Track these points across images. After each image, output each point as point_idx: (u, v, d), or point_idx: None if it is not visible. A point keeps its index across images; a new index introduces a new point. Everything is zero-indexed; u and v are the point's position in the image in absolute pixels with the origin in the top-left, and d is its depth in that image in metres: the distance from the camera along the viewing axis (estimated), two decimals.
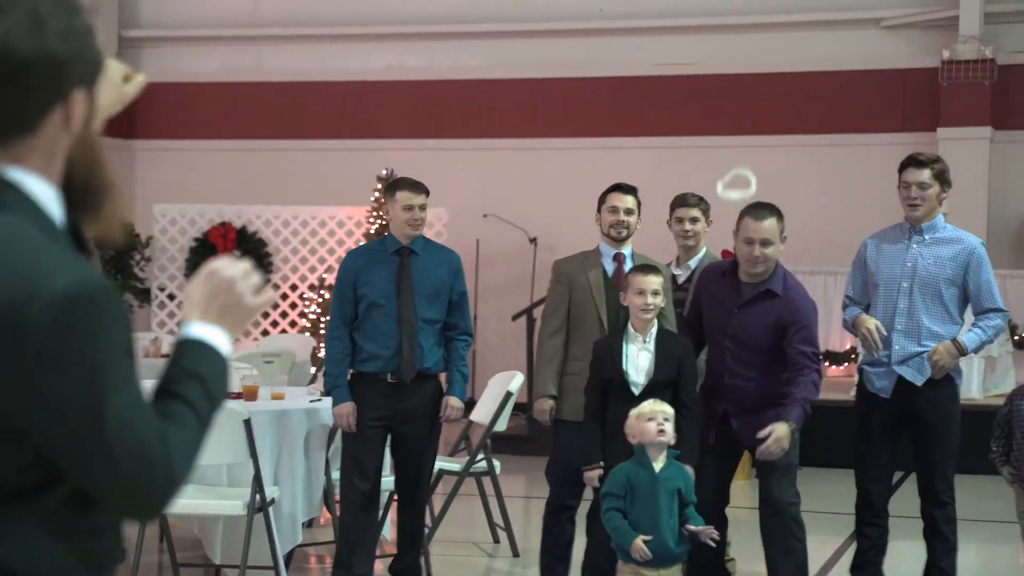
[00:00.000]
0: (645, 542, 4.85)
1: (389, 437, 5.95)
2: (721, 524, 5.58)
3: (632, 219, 5.89)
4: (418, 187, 5.95)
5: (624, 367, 5.40)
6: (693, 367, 5.57)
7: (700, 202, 6.33)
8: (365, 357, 5.85)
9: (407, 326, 5.80)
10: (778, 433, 5.32)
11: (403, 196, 5.89)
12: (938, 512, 5.88)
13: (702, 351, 5.79)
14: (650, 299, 5.37)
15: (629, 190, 5.93)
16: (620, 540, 4.86)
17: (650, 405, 5.05)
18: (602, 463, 5.38)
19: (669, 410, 5.06)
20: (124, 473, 1.67)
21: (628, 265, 5.83)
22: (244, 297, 1.90)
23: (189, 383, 1.79)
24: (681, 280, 6.25)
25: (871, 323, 5.80)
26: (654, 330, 5.45)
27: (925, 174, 5.81)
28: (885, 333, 5.78)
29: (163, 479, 1.70)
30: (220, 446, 5.84)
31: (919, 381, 5.78)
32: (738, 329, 5.56)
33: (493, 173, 14.24)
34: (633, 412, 5.06)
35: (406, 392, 5.84)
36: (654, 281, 5.40)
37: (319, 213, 13.57)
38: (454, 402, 5.92)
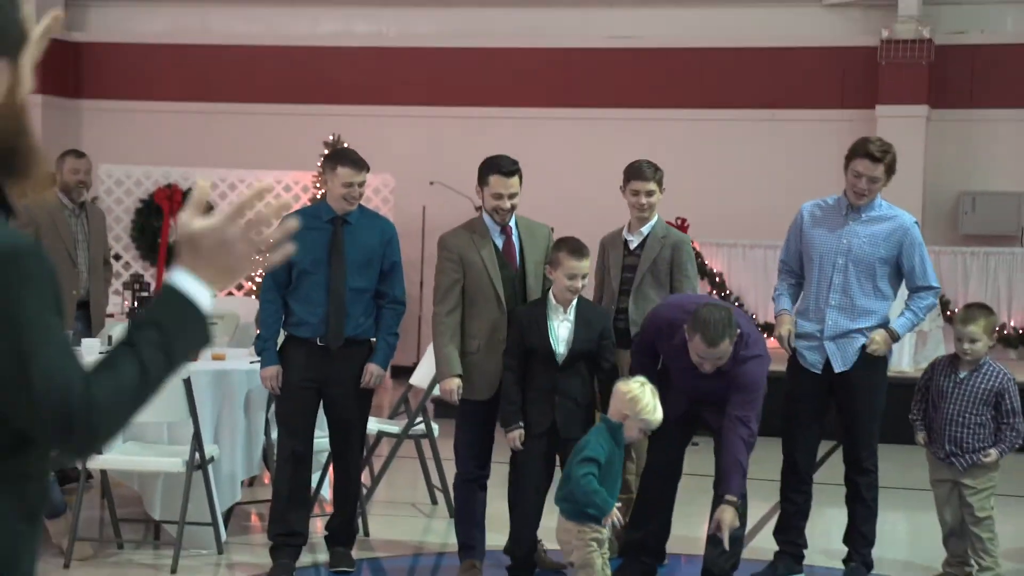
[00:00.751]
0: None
1: (322, 400, 6.04)
2: (671, 491, 5.79)
3: (515, 200, 5.86)
4: (359, 164, 5.93)
5: (550, 338, 5.58)
6: (611, 335, 5.76)
7: (656, 173, 6.25)
8: (295, 321, 5.91)
9: (335, 295, 5.85)
10: (727, 519, 5.33)
11: (344, 172, 5.87)
12: (861, 479, 6.06)
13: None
14: (580, 283, 5.59)
15: (512, 172, 5.84)
16: (602, 504, 4.93)
17: (657, 417, 5.04)
18: (521, 423, 5.60)
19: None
20: (46, 421, 1.75)
21: (515, 235, 5.91)
22: (243, 260, 1.90)
23: (146, 331, 1.83)
24: (633, 246, 6.27)
25: (784, 330, 5.99)
26: (574, 301, 5.64)
27: (879, 170, 5.87)
28: (794, 346, 5.98)
29: (82, 427, 1.76)
30: (160, 405, 5.89)
31: (838, 368, 5.95)
32: (699, 391, 5.59)
33: (440, 141, 14.31)
34: (638, 405, 5.00)
35: (335, 357, 5.90)
36: (586, 266, 5.61)
37: (265, 177, 13.59)
38: (373, 368, 5.98)
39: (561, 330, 5.63)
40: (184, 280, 1.86)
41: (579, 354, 5.60)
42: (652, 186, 6.22)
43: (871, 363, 5.98)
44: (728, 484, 5.30)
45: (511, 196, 5.83)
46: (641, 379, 5.12)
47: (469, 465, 5.93)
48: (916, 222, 6.10)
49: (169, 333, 1.82)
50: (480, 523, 5.97)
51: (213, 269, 1.89)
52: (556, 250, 5.64)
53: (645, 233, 6.26)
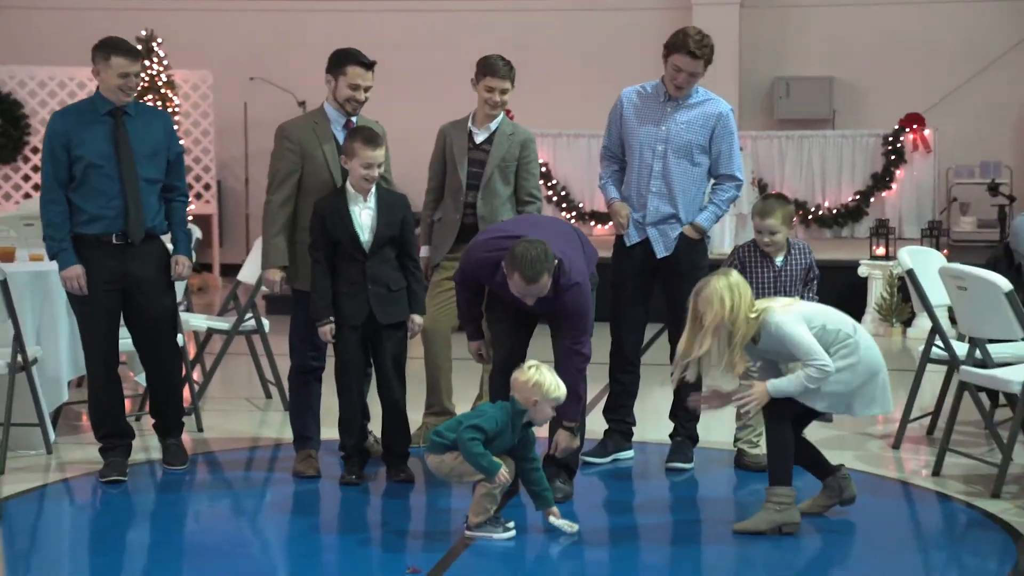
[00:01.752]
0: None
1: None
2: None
3: (369, 94, 5.86)
4: (134, 53, 5.79)
5: (355, 227, 5.59)
6: (412, 223, 5.80)
7: (511, 71, 6.25)
8: (87, 219, 5.73)
9: (130, 185, 5.71)
10: (565, 442, 5.40)
11: (119, 63, 5.71)
12: None
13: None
14: (375, 171, 5.59)
15: (371, 64, 5.85)
16: (488, 466, 4.92)
17: (563, 391, 5.05)
18: (332, 318, 5.62)
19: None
20: None
21: None
22: None
23: None
24: (479, 140, 6.29)
25: (623, 217, 6.11)
26: (373, 188, 5.65)
27: (699, 65, 5.99)
28: (627, 226, 6.10)
29: None
30: None
31: (660, 253, 6.12)
32: (530, 311, 5.52)
33: (259, 35, 14.04)
34: (543, 389, 5.00)
35: (134, 254, 5.78)
36: (381, 155, 5.61)
37: (77, 74, 13.15)
38: (183, 259, 5.91)
39: (364, 218, 5.63)
40: None
41: (385, 240, 5.64)
42: (507, 84, 6.24)
43: (692, 246, 6.15)
44: (566, 411, 5.32)
45: (367, 89, 5.83)
46: (533, 363, 5.09)
47: (304, 356, 5.94)
48: (732, 110, 6.26)
49: None
50: (315, 414, 5.99)
51: None
52: (350, 140, 5.62)
53: (492, 128, 6.30)
